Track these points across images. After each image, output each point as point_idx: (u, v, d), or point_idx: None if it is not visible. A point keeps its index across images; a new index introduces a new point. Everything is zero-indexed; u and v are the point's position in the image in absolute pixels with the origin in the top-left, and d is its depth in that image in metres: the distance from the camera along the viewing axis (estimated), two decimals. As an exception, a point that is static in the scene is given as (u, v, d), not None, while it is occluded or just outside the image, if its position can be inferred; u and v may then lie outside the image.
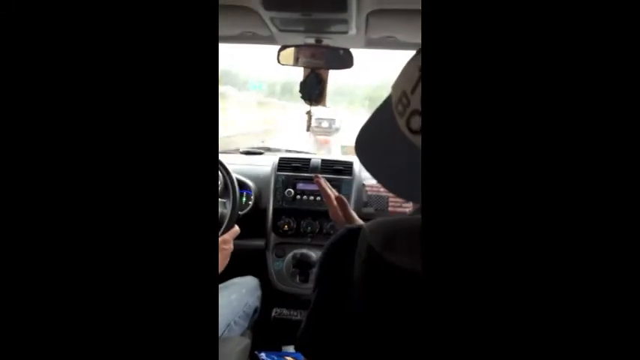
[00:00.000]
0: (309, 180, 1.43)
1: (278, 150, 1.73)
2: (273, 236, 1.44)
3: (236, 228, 1.13)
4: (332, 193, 0.85)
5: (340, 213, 0.82)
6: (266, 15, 0.86)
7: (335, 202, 0.83)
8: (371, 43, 1.05)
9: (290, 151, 1.71)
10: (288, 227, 1.42)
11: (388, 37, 1.00)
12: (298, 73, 1.09)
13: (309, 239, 1.42)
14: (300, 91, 1.04)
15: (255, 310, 1.26)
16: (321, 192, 0.86)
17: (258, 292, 1.31)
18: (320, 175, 0.89)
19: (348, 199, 1.39)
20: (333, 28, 0.93)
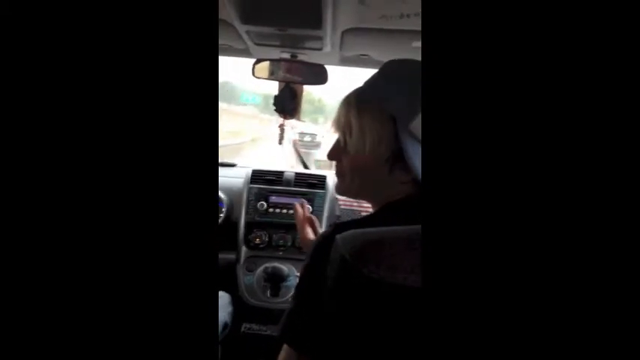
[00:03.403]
0: (282, 193, 1.43)
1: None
2: (244, 249, 1.42)
3: None
4: (307, 215, 0.85)
5: (312, 235, 0.81)
6: (242, 28, 0.87)
7: (306, 224, 0.82)
8: (345, 61, 1.07)
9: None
10: (260, 240, 1.41)
11: (362, 55, 1.02)
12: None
13: (280, 252, 1.41)
14: (274, 104, 1.05)
15: (225, 326, 1.23)
16: (296, 218, 0.84)
17: (230, 309, 1.29)
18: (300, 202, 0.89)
19: (321, 212, 1.40)
20: (308, 44, 0.95)
